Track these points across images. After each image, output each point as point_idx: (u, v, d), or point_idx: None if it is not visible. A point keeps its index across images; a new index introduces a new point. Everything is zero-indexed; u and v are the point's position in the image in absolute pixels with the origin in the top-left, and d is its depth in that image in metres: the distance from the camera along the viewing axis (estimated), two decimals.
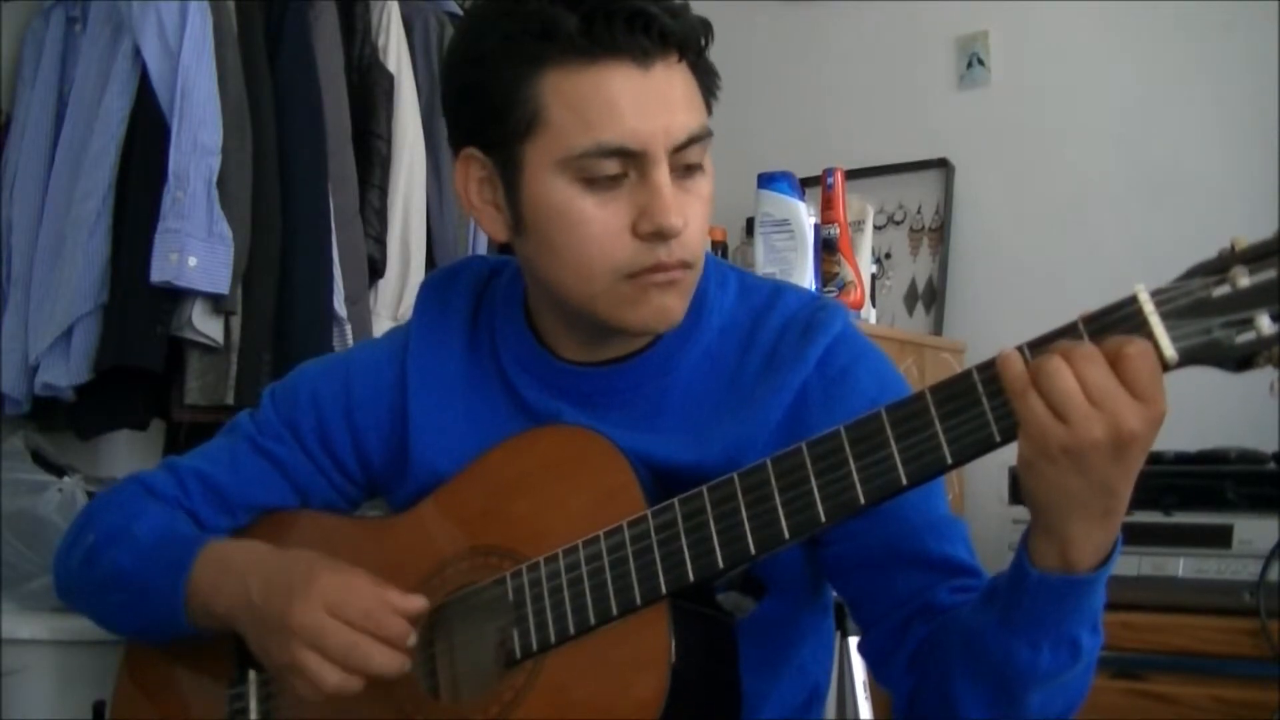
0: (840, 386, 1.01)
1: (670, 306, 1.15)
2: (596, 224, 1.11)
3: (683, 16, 1.12)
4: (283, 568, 1.18)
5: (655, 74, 1.10)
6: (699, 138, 1.13)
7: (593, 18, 1.08)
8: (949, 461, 0.98)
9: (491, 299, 1.31)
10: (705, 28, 1.15)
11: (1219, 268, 0.90)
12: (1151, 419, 0.91)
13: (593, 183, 1.11)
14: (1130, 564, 2.09)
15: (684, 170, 1.13)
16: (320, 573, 1.14)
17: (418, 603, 1.13)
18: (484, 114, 1.14)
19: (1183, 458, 2.22)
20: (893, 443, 0.99)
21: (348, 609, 1.11)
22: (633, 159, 1.10)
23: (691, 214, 1.13)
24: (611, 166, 1.10)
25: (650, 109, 1.09)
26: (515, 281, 1.28)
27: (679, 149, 1.12)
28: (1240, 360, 0.89)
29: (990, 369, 0.96)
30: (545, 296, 1.22)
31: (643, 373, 1.21)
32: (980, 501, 2.67)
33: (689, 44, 1.12)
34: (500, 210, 1.18)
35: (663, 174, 1.11)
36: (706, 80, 1.16)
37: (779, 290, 1.25)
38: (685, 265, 1.14)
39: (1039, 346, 0.95)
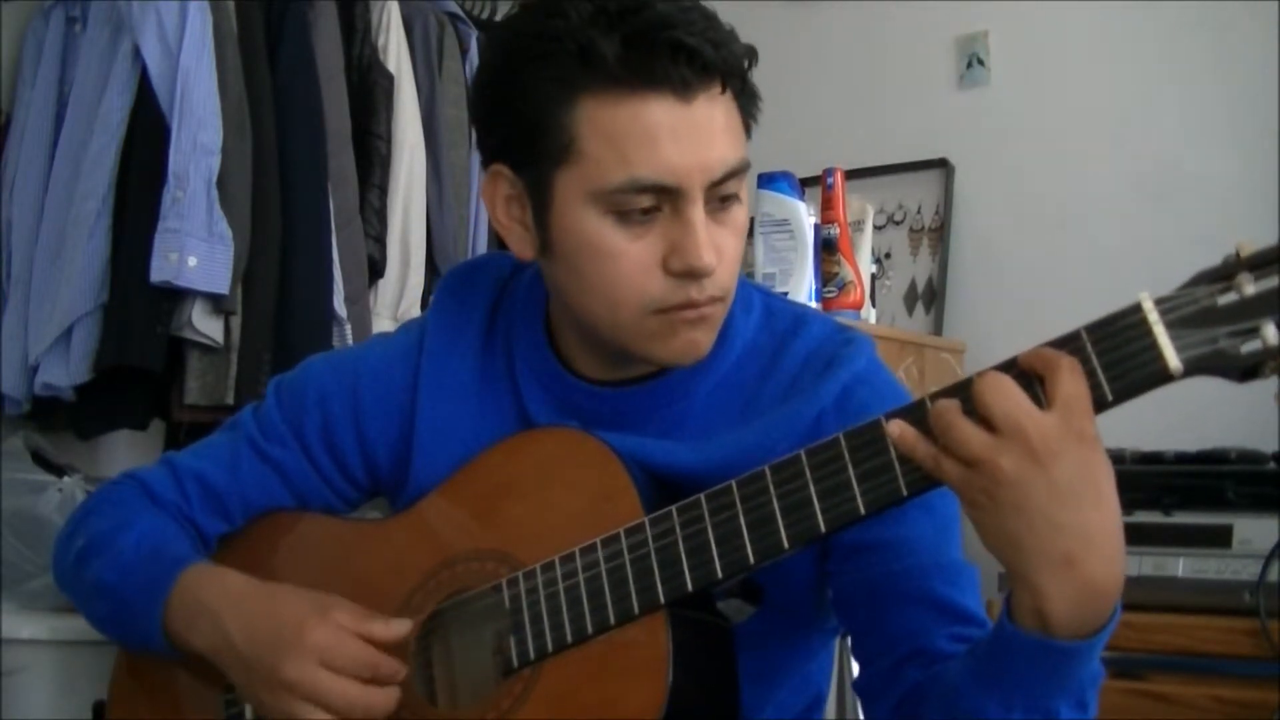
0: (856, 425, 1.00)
1: (698, 341, 1.12)
2: (627, 259, 1.08)
3: (726, 46, 1.07)
4: (264, 613, 1.16)
5: (697, 107, 1.06)
6: (736, 172, 1.10)
7: (632, 45, 1.04)
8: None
9: (511, 302, 1.27)
10: (750, 54, 1.10)
11: (1224, 275, 0.88)
12: (1066, 429, 0.89)
13: (625, 216, 1.08)
14: (1130, 564, 2.07)
15: (719, 201, 1.10)
16: (308, 623, 1.13)
17: (401, 628, 1.14)
18: (515, 133, 1.11)
19: (1183, 457, 2.22)
20: (891, 450, 0.98)
21: (341, 659, 1.11)
22: (667, 194, 1.07)
23: (725, 247, 1.10)
24: (645, 201, 1.07)
25: (689, 144, 1.06)
26: (536, 285, 1.25)
27: (715, 184, 1.08)
28: (1245, 370, 0.87)
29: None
30: (568, 315, 1.19)
31: (659, 397, 1.19)
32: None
33: (732, 74, 1.08)
34: (528, 230, 1.15)
35: (697, 211, 1.07)
36: (749, 106, 1.12)
37: (804, 318, 1.22)
38: (715, 300, 1.11)
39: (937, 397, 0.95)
